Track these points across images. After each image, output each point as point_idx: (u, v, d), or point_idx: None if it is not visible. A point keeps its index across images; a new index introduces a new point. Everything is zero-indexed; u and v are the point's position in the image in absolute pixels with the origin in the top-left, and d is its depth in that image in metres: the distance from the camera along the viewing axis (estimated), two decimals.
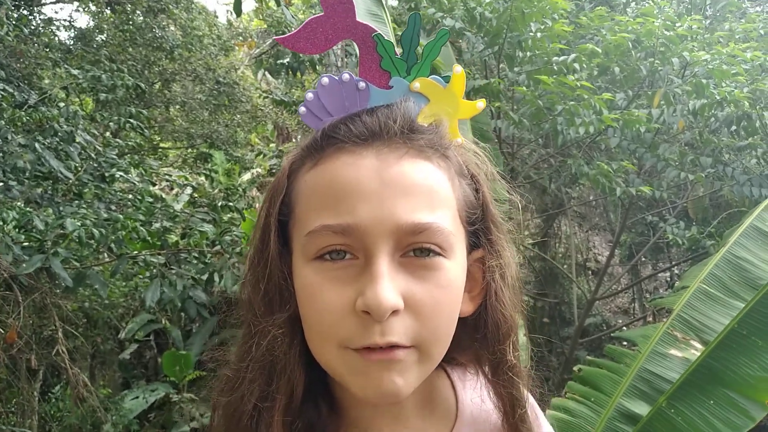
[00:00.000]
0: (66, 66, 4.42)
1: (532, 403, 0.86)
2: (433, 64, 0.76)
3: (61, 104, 4.07)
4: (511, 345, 0.78)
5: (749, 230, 2.61)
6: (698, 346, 2.53)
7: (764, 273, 2.46)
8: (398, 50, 0.75)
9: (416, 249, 0.67)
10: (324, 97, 0.74)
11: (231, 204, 4.17)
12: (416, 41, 0.74)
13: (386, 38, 0.74)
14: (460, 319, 0.75)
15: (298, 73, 5.44)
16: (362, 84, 0.74)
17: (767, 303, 2.21)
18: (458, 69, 0.76)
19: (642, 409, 2.55)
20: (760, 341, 2.18)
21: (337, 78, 0.73)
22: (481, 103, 0.79)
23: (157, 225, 3.49)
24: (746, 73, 4.28)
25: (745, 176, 4.40)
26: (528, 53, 3.96)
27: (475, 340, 0.79)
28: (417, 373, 0.69)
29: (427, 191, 0.68)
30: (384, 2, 2.92)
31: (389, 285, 0.64)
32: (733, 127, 4.40)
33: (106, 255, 3.74)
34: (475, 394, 0.84)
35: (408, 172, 0.68)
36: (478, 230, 0.77)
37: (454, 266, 0.70)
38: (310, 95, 0.74)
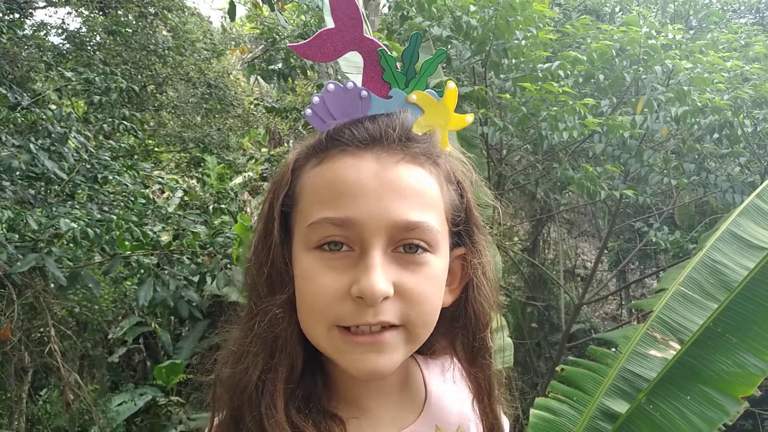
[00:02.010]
0: (59, 69, 4.46)
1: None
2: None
3: (53, 107, 4.09)
4: (491, 333, 0.88)
5: (725, 235, 2.69)
6: (676, 346, 2.60)
7: (738, 275, 2.54)
8: (399, 65, 0.82)
9: (406, 245, 0.76)
10: (329, 102, 0.81)
11: (224, 207, 4.22)
12: (416, 57, 0.82)
13: (389, 54, 0.81)
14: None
15: (290, 79, 5.51)
16: (364, 93, 0.81)
17: (741, 302, 2.29)
18: (452, 85, 0.83)
19: (622, 407, 2.62)
20: (734, 338, 2.25)
21: (342, 85, 0.80)
22: (470, 117, 0.87)
23: (150, 227, 3.53)
24: (727, 82, 4.39)
25: (727, 183, 4.49)
26: (514, 60, 4.05)
27: (457, 329, 0.88)
28: (402, 352, 0.78)
29: (419, 193, 0.76)
30: (365, 15, 3.00)
31: (381, 275, 0.72)
32: (716, 135, 4.50)
33: (98, 255, 3.78)
34: (442, 379, 0.94)
35: (403, 175, 0.76)
36: (462, 231, 0.85)
37: (439, 261, 0.79)
38: (316, 99, 0.81)
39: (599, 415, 2.71)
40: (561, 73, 3.92)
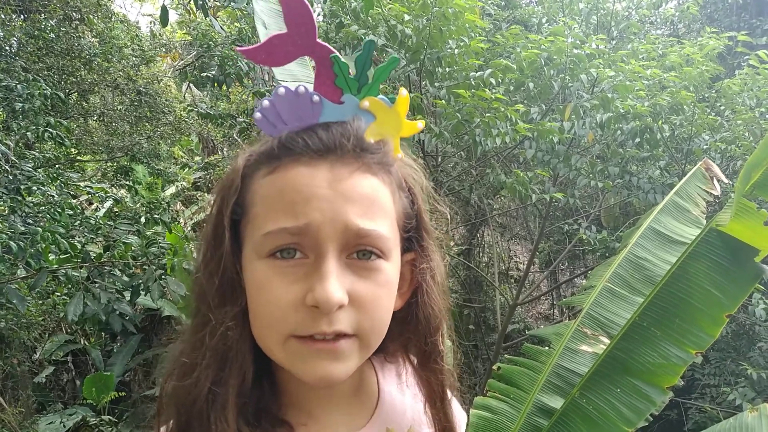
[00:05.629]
0: None
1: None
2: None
3: None
4: (442, 336, 0.89)
5: (647, 232, 2.83)
6: (605, 340, 2.71)
7: (661, 270, 2.67)
8: (352, 71, 0.81)
9: (360, 251, 0.75)
10: (280, 106, 0.78)
11: (157, 217, 4.10)
12: (369, 64, 0.80)
13: (342, 60, 0.80)
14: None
15: (224, 86, 5.43)
16: (316, 97, 0.79)
17: (664, 296, 2.41)
18: (404, 92, 0.83)
19: (557, 402, 2.70)
20: (658, 331, 2.37)
21: (293, 89, 0.78)
22: (420, 124, 0.86)
23: (80, 239, 3.39)
24: (646, 89, 4.64)
25: (649, 185, 4.74)
26: (447, 69, 4.14)
27: (408, 332, 0.89)
28: (356, 359, 0.78)
29: (372, 202, 0.76)
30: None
31: (337, 283, 0.72)
32: (637, 140, 4.75)
33: (23, 269, 3.60)
34: (396, 382, 0.94)
35: (357, 185, 0.75)
36: (412, 237, 0.86)
37: (391, 267, 0.79)
38: (266, 103, 0.78)
39: (536, 411, 2.78)
40: (493, 81, 4.04)
